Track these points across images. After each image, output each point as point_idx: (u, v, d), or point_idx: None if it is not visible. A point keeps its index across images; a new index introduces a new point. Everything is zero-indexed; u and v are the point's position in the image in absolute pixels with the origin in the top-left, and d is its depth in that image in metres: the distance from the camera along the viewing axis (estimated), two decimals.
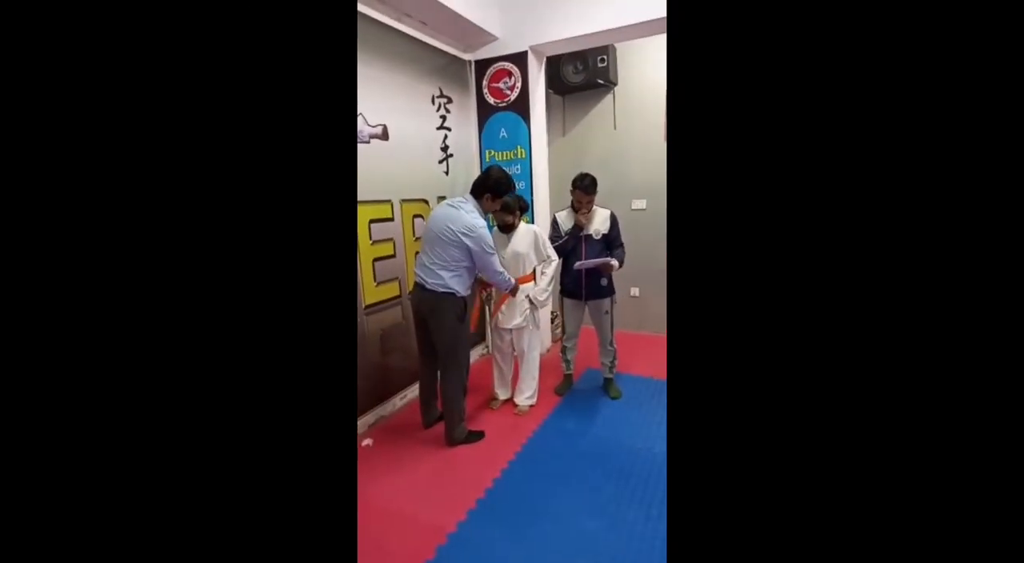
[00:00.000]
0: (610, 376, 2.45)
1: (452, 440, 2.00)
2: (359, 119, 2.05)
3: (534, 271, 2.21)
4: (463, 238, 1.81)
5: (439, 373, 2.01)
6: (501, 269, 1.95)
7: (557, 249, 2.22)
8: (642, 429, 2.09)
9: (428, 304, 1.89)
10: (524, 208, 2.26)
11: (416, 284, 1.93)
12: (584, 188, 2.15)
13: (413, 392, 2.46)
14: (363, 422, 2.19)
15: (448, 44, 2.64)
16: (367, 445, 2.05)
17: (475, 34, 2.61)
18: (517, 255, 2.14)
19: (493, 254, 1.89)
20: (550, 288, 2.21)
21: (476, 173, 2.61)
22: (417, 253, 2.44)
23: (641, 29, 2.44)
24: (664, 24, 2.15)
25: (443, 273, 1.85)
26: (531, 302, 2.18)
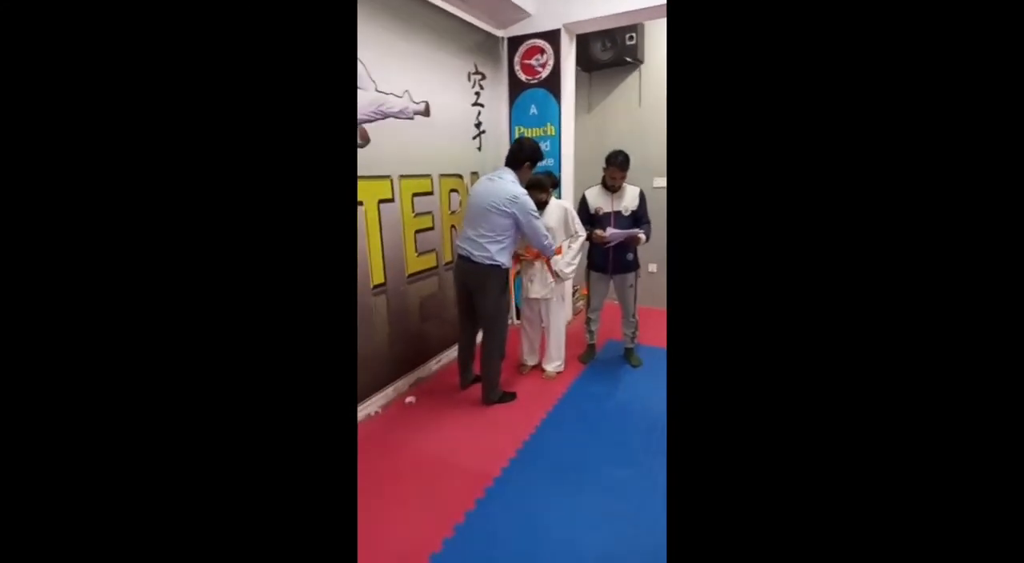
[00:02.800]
0: (631, 346, 2.62)
1: (488, 400, 2.18)
2: (405, 96, 2.15)
3: (561, 245, 2.34)
4: (510, 206, 1.93)
5: (480, 339, 2.18)
6: (546, 233, 2.08)
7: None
8: (662, 393, 2.26)
9: (475, 276, 2.03)
10: (555, 184, 2.37)
11: (461, 257, 2.07)
12: (619, 164, 2.26)
13: (448, 356, 2.64)
14: (404, 382, 2.37)
15: (484, 21, 2.69)
16: (410, 402, 2.24)
17: (510, 11, 2.65)
18: (548, 230, 2.26)
19: (539, 218, 2.02)
20: (575, 262, 2.35)
21: (505, 149, 2.70)
22: (452, 226, 2.59)
23: None
24: None
25: (490, 246, 1.98)
26: (556, 274, 2.32)
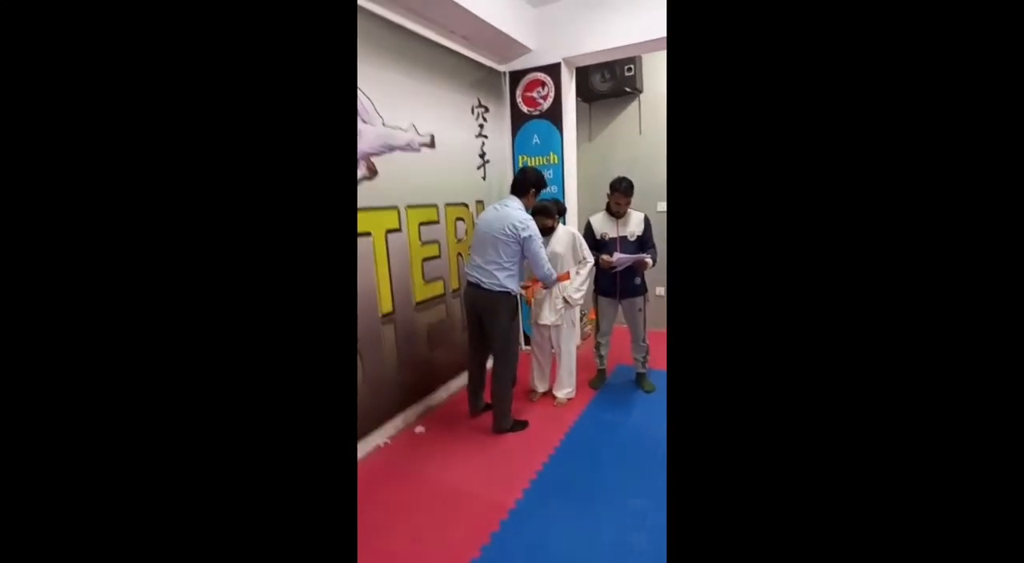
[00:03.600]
0: (643, 371, 2.58)
1: (500, 428, 2.13)
2: (411, 130, 2.21)
3: (569, 272, 2.34)
4: (519, 232, 1.95)
5: (492, 366, 2.15)
6: (548, 263, 2.09)
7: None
8: None
9: (485, 303, 2.03)
10: (562, 211, 2.40)
11: (470, 284, 2.08)
12: (623, 191, 2.29)
13: (457, 384, 2.61)
14: (413, 411, 2.34)
15: (486, 57, 2.80)
16: (420, 431, 2.20)
17: (511, 47, 2.76)
18: (556, 256, 2.28)
19: (543, 247, 2.04)
20: (584, 287, 2.35)
21: (509, 177, 2.76)
22: (459, 254, 2.61)
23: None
24: None
25: (499, 273, 1.99)
26: (565, 300, 2.32)
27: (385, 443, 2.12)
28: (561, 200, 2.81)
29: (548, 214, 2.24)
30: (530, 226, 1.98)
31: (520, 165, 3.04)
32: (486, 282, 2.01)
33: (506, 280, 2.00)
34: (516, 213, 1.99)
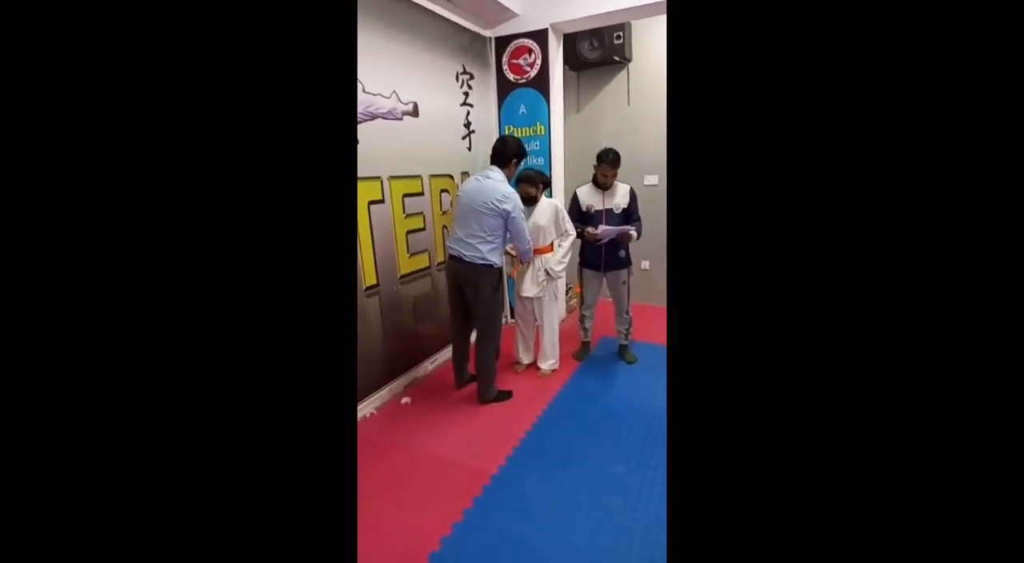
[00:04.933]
0: (626, 343, 2.63)
1: (484, 398, 2.17)
2: (393, 97, 2.15)
3: (552, 244, 2.35)
4: (501, 205, 1.93)
5: (475, 338, 2.17)
6: (529, 237, 2.08)
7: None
8: (658, 390, 2.27)
9: (467, 275, 2.03)
10: (547, 183, 2.38)
11: (452, 257, 2.07)
12: (610, 162, 2.27)
13: (443, 356, 2.64)
14: (400, 383, 2.36)
15: (471, 21, 2.70)
16: (406, 402, 2.24)
17: (497, 11, 2.66)
18: (538, 227, 2.27)
19: (523, 216, 2.03)
20: (566, 260, 2.36)
21: None
22: (444, 227, 2.59)
23: (659, 7, 2.50)
24: None
25: (481, 246, 1.98)
26: (547, 273, 2.33)
27: (371, 414, 2.15)
28: (546, 173, 2.78)
29: (532, 183, 2.22)
30: (513, 199, 1.96)
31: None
32: (468, 255, 2.00)
33: (489, 253, 1.99)
34: (499, 186, 1.96)
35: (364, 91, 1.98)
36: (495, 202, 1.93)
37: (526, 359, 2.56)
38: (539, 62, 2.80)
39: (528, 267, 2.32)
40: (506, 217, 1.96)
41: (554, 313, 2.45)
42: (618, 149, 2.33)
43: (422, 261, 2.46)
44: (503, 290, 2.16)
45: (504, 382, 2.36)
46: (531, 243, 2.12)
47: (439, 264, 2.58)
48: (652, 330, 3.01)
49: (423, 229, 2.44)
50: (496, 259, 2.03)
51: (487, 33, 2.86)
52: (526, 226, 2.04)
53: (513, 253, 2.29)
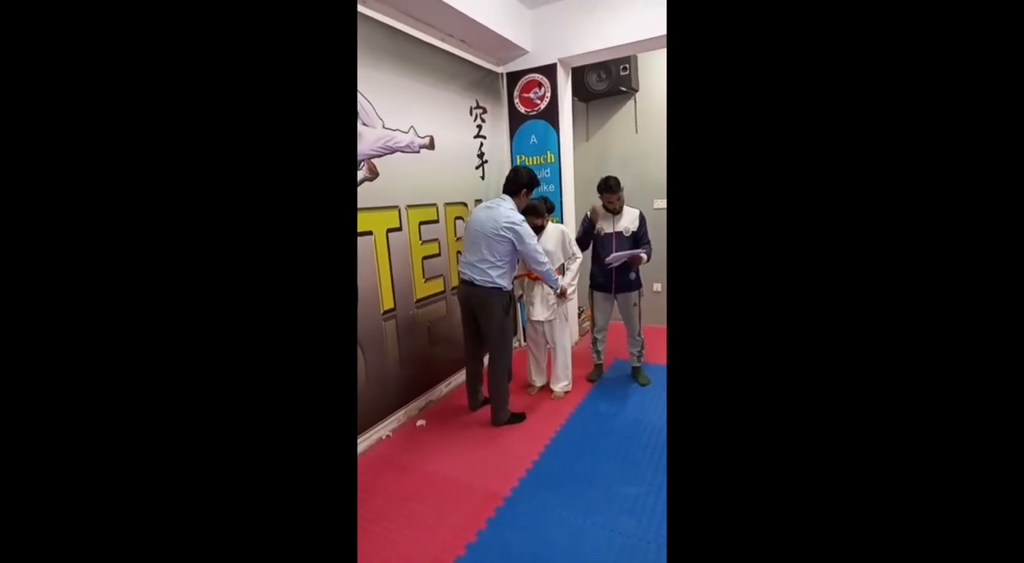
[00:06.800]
0: (638, 365, 2.64)
1: (498, 421, 2.21)
2: (411, 132, 2.28)
3: (561, 267, 2.41)
4: (507, 232, 2.01)
5: (487, 361, 2.22)
6: (545, 259, 2.13)
7: (579, 240, 2.44)
8: None
9: (478, 299, 2.10)
10: (551, 209, 2.47)
11: (464, 281, 2.14)
12: (609, 189, 2.36)
13: (457, 379, 2.68)
14: (415, 405, 2.41)
15: (483, 59, 2.85)
16: (421, 425, 2.28)
17: (508, 49, 2.81)
18: (547, 253, 2.33)
19: (535, 239, 2.09)
20: (575, 282, 2.42)
21: None
22: (458, 252, 2.68)
23: (662, 41, 2.62)
24: None
25: (491, 271, 2.06)
26: (556, 296, 2.37)
27: (387, 436, 2.20)
28: (555, 199, 2.86)
29: (538, 214, 2.31)
30: (520, 224, 2.02)
31: (518, 164, 3.10)
32: (478, 279, 2.07)
33: (498, 278, 2.06)
34: (507, 212, 2.04)
35: (384, 127, 2.11)
36: (503, 229, 2.01)
37: (539, 381, 2.59)
38: (549, 95, 2.93)
39: (537, 291, 2.38)
40: (515, 240, 2.03)
41: (566, 335, 2.49)
42: (627, 175, 2.42)
43: (437, 285, 2.54)
44: (514, 313, 2.21)
45: (517, 404, 2.39)
46: (549, 265, 2.16)
47: (453, 288, 2.66)
48: (665, 352, 3.02)
49: (438, 254, 2.53)
50: (505, 283, 2.09)
51: (499, 69, 3.01)
52: (537, 245, 2.09)
53: (534, 277, 2.34)
